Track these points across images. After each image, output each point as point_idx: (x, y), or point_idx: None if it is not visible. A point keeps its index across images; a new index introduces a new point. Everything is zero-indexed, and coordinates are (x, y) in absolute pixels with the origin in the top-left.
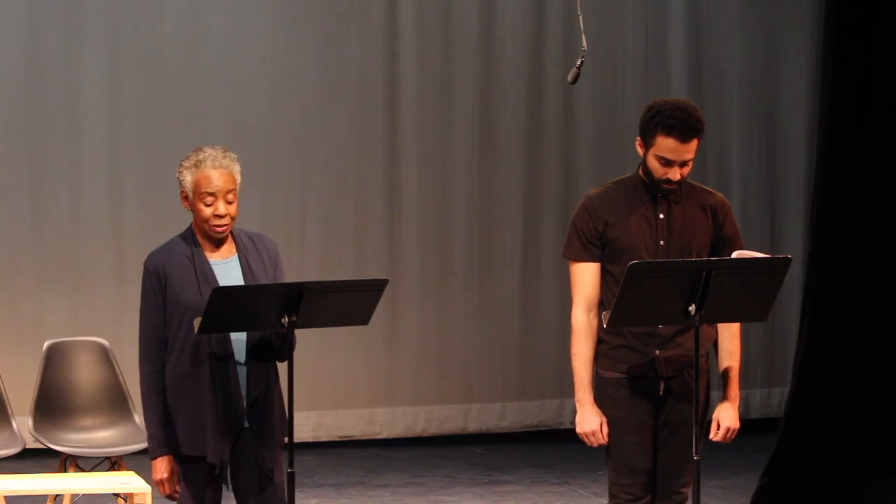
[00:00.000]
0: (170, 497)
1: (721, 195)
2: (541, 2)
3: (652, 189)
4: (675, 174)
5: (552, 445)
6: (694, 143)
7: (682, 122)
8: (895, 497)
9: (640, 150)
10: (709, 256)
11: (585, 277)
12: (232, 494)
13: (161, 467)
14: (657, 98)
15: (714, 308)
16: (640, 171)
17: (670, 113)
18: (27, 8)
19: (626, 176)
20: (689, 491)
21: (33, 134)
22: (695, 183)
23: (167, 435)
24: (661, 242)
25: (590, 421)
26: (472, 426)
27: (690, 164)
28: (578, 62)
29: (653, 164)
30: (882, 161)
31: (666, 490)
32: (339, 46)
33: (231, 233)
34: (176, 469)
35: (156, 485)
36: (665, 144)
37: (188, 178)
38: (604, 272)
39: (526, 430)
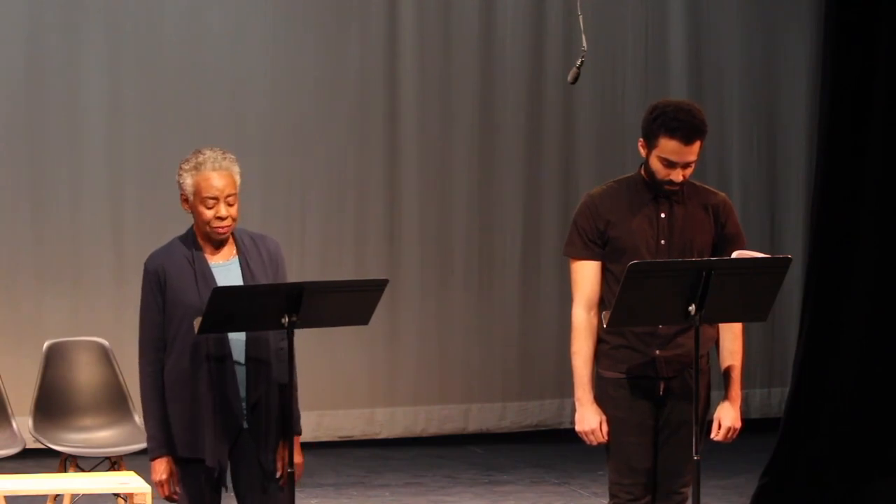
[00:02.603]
0: (168, 499)
1: (723, 195)
2: (541, 2)
3: (654, 188)
4: (677, 175)
5: (552, 445)
6: (697, 145)
7: (685, 124)
8: (895, 497)
9: (642, 151)
10: (710, 256)
11: (586, 276)
12: (232, 495)
13: (160, 468)
14: (660, 99)
15: (714, 308)
16: (642, 171)
17: (674, 115)
18: (27, 8)
19: (628, 175)
20: (690, 491)
21: (33, 134)
22: (696, 182)
23: (166, 436)
24: (663, 242)
25: (589, 419)
26: (472, 426)
27: (693, 165)
28: (578, 62)
29: (655, 165)
30: (882, 161)
31: (666, 490)
32: (339, 46)
33: (232, 234)
34: (175, 470)
35: (154, 486)
36: (668, 146)
37: (188, 181)
38: (605, 271)
39: (526, 430)
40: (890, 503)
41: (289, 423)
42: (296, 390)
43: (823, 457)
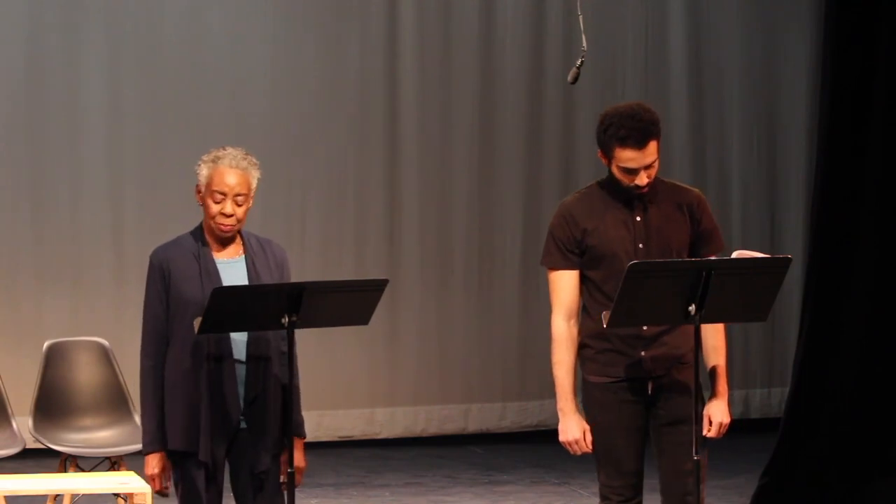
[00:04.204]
0: (160, 493)
1: (696, 191)
2: (541, 2)
3: (625, 192)
4: (641, 180)
5: (552, 445)
6: (652, 146)
7: (635, 131)
8: (895, 497)
9: (603, 161)
10: (689, 254)
11: (565, 285)
12: (231, 495)
13: (153, 462)
14: (609, 107)
15: (714, 308)
16: (611, 176)
17: (620, 123)
18: (27, 8)
19: (598, 180)
20: (701, 489)
21: (33, 134)
22: (667, 180)
23: (161, 430)
24: (641, 245)
25: (573, 429)
26: (472, 426)
27: (655, 164)
28: (578, 62)
29: (618, 174)
30: (882, 161)
31: (677, 492)
32: (339, 46)
33: (241, 235)
34: (168, 465)
35: (147, 479)
36: (624, 156)
37: (204, 172)
38: (583, 278)
39: (526, 430)
40: (890, 503)
41: (288, 424)
42: (298, 392)
43: (823, 457)
